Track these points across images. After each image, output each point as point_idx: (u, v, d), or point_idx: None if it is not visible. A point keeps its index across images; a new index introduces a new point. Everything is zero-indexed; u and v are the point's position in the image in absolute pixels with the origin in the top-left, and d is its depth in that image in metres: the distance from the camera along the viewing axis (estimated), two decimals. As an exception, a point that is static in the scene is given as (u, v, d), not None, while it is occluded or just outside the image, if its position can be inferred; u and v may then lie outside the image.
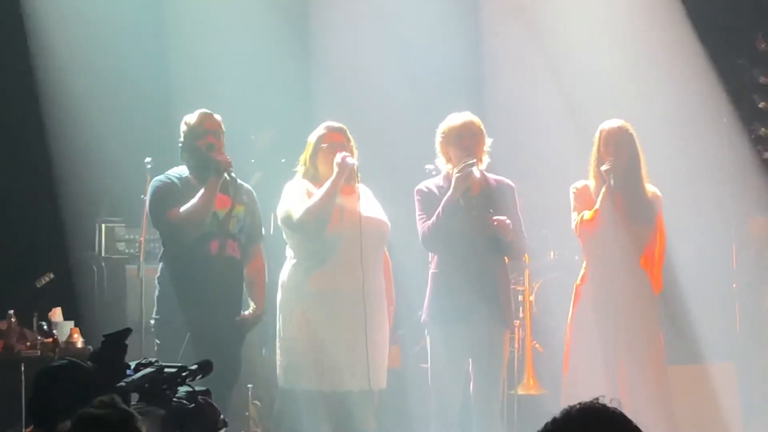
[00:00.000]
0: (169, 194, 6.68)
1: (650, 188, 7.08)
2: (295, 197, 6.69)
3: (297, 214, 6.62)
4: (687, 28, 9.01)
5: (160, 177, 6.82)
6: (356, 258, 6.58)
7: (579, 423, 2.90)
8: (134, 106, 8.96)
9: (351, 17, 9.49)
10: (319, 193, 6.62)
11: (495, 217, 6.67)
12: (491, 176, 6.90)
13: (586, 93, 8.83)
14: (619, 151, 6.97)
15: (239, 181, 6.86)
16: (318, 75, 9.51)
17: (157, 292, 6.77)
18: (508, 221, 6.67)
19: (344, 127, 6.81)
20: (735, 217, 9.19)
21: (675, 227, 7.37)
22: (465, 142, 6.76)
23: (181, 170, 6.79)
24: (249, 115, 9.07)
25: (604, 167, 6.95)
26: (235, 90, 9.01)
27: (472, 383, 6.75)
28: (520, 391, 8.61)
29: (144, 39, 9.08)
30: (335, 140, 6.73)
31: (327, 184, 6.59)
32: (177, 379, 4.08)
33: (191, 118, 6.76)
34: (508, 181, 6.96)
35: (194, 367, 4.16)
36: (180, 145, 6.79)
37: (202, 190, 6.59)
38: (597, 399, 2.95)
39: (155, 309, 6.77)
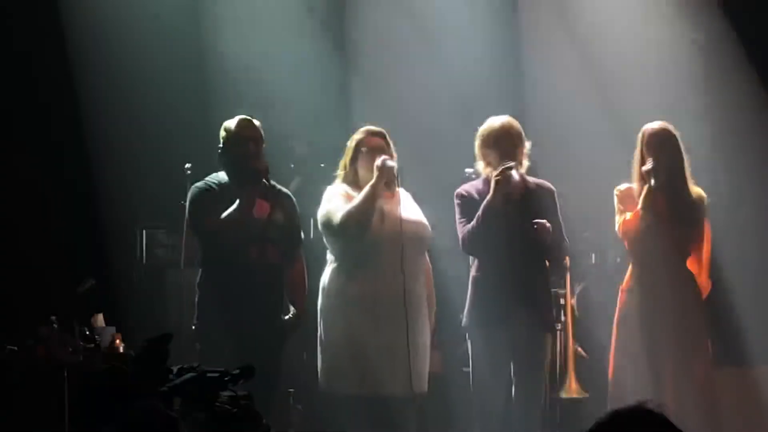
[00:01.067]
0: (208, 201, 6.70)
1: (695, 189, 7.03)
2: (336, 201, 6.69)
3: (337, 218, 6.62)
4: (725, 24, 8.94)
5: (199, 183, 6.84)
6: (397, 262, 6.57)
7: (624, 425, 2.89)
8: (174, 111, 8.98)
9: (388, 20, 9.48)
10: (359, 197, 6.61)
11: (535, 221, 6.64)
12: (531, 179, 6.87)
13: (626, 93, 8.79)
14: (662, 152, 6.92)
15: (278, 186, 6.87)
16: (356, 79, 9.50)
17: (197, 298, 6.79)
18: (548, 225, 6.64)
19: (384, 131, 6.80)
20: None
21: (715, 227, 7.30)
22: (504, 145, 6.74)
23: (221, 176, 6.81)
24: (288, 120, 9.07)
25: (645, 168, 6.91)
26: (274, 95, 9.02)
27: (513, 387, 6.72)
28: (563, 395, 8.57)
29: (183, 45, 9.11)
30: (375, 144, 6.73)
31: (367, 188, 6.58)
32: (219, 383, 4.08)
33: (231, 124, 6.77)
34: (549, 184, 6.94)
35: (236, 371, 4.16)
36: (219, 151, 6.81)
37: (240, 198, 6.59)
38: (643, 402, 2.94)
39: (195, 314, 6.79)
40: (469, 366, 6.92)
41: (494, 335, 6.67)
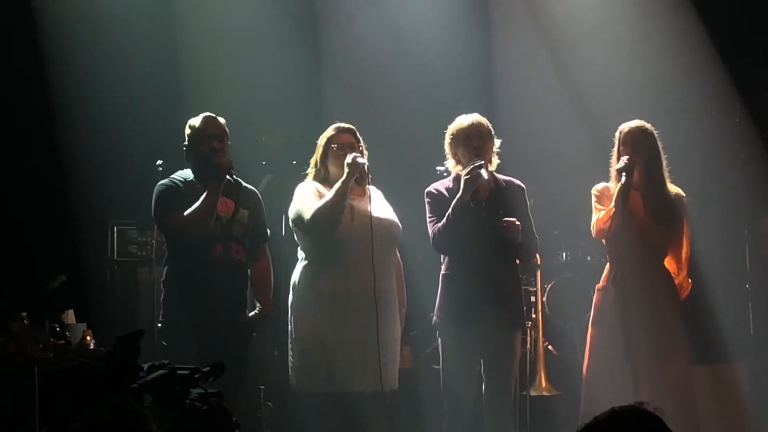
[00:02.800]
0: (173, 198, 6.69)
1: (673, 188, 7.04)
2: (306, 198, 6.70)
3: (308, 214, 6.63)
4: (697, 27, 8.99)
5: (164, 181, 6.84)
6: (367, 259, 6.58)
7: (621, 424, 2.93)
8: (146, 108, 8.97)
9: (360, 18, 9.50)
10: (330, 193, 6.62)
11: (504, 219, 6.66)
12: (501, 177, 6.90)
13: (596, 93, 8.82)
14: (638, 150, 6.92)
15: (244, 183, 6.88)
16: (328, 75, 9.52)
17: (162, 295, 6.79)
18: (517, 222, 6.66)
19: (353, 127, 6.82)
20: (747, 217, 9.16)
21: (691, 225, 7.32)
22: (473, 143, 6.76)
23: (186, 173, 6.81)
24: (260, 117, 9.08)
25: (617, 166, 6.91)
26: (246, 92, 9.02)
27: (483, 384, 6.75)
28: (533, 393, 8.60)
29: (155, 41, 9.09)
30: (345, 141, 6.74)
31: (338, 185, 6.60)
32: (189, 380, 4.09)
33: (195, 121, 6.77)
34: (519, 182, 6.95)
35: (206, 369, 4.17)
36: (184, 148, 6.81)
37: (204, 194, 6.61)
38: (641, 403, 2.99)
39: (161, 312, 6.79)
40: (439, 363, 6.94)
41: (465, 333, 6.68)
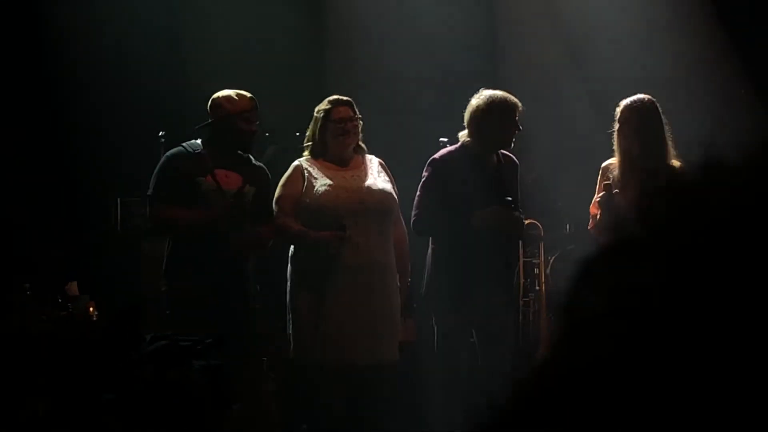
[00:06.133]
0: (167, 184, 6.73)
1: (676, 162, 6.97)
2: (287, 187, 6.75)
3: (274, 209, 6.69)
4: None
5: (173, 151, 6.85)
6: (361, 231, 6.57)
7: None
8: (148, 79, 8.95)
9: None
10: (293, 231, 6.64)
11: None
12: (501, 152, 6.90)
13: (601, 61, 8.79)
14: (641, 128, 6.82)
15: (254, 160, 6.88)
16: (332, 44, 9.48)
17: (164, 266, 6.81)
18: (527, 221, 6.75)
19: (351, 100, 6.77)
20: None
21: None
22: (511, 117, 6.70)
23: (195, 144, 6.81)
24: (262, 88, 9.04)
25: (597, 199, 6.86)
26: (249, 61, 8.99)
27: (480, 356, 6.76)
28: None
29: (156, 12, 9.06)
30: (343, 115, 6.71)
31: (304, 237, 6.59)
32: (191, 352, 4.09)
33: (245, 101, 6.74)
34: (513, 157, 6.94)
35: (209, 341, 4.17)
36: (218, 116, 6.77)
37: (205, 215, 6.63)
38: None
39: (165, 283, 6.80)
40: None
41: (456, 310, 6.69)
